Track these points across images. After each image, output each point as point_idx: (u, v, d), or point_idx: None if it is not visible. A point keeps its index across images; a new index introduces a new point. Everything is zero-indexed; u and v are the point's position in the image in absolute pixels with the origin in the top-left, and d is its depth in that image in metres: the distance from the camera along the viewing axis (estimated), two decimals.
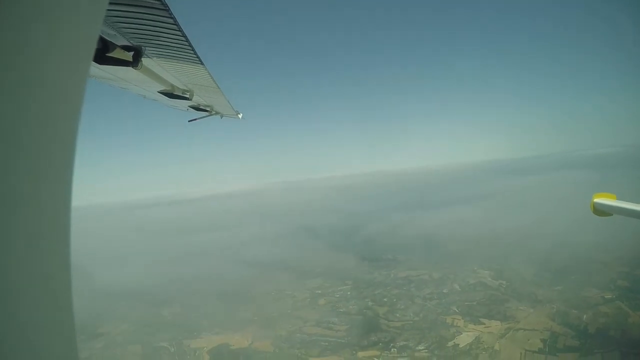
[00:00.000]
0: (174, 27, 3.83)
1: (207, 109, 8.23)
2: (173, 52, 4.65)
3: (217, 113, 8.75)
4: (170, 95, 6.23)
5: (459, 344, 52.04)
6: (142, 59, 4.23)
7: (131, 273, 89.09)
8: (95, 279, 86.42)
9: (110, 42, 3.60)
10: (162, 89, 5.98)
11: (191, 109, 8.01)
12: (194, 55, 4.78)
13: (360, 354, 52.83)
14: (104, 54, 3.56)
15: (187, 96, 6.47)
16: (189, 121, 8.90)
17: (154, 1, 3.28)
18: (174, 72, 5.56)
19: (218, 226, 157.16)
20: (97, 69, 4.27)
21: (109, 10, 3.18)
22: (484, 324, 55.78)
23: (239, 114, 9.84)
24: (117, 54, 3.74)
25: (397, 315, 61.89)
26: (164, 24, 3.77)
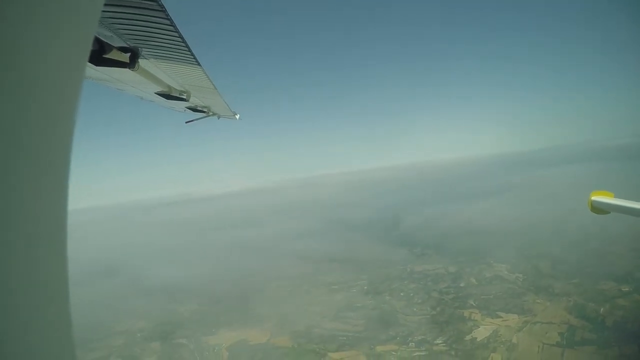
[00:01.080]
0: (171, 28, 3.86)
1: (204, 110, 8.30)
2: (170, 53, 4.68)
3: (214, 114, 8.80)
4: (167, 96, 6.28)
5: (476, 338, 51.81)
6: (139, 60, 4.28)
7: (148, 271, 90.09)
8: (113, 279, 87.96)
9: (107, 43, 3.67)
10: (159, 90, 6.03)
11: (188, 110, 8.05)
12: (191, 56, 4.81)
13: (379, 348, 52.90)
14: (100, 55, 3.64)
15: (184, 97, 6.50)
16: (186, 122, 8.95)
17: (151, 2, 3.30)
18: (171, 73, 5.58)
19: (232, 224, 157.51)
20: (93, 71, 4.33)
21: (105, 11, 3.24)
22: (502, 317, 55.35)
23: (236, 114, 9.87)
24: (113, 55, 3.81)
25: (414, 309, 61.76)
26: (161, 25, 3.80)
